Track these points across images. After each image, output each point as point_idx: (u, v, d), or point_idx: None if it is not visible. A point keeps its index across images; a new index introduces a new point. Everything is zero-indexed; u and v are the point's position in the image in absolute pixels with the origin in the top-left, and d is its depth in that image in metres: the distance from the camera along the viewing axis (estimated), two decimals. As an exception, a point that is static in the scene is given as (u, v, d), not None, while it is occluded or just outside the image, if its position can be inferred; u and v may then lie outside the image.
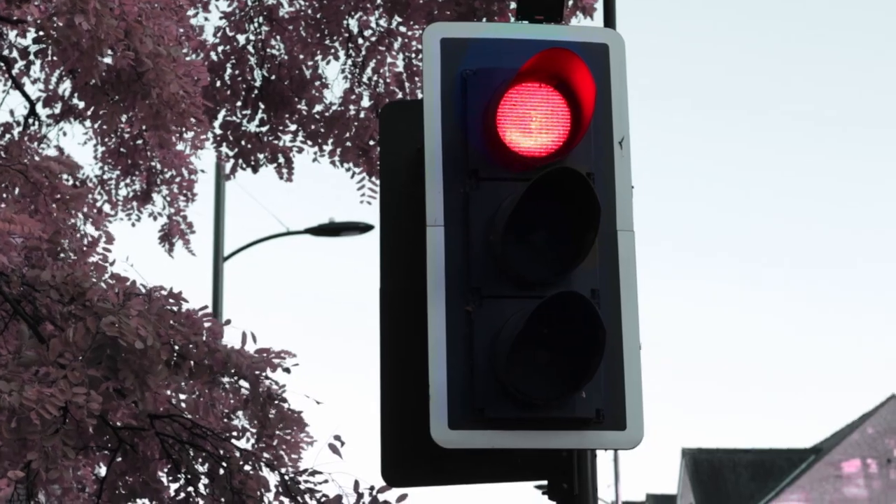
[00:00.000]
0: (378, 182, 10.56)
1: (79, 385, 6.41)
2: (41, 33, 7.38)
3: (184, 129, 7.96)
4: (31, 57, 9.38)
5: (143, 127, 8.21)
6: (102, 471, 7.65)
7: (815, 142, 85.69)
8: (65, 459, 6.48)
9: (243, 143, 11.01)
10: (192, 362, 6.84)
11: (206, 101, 7.97)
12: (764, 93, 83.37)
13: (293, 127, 10.98)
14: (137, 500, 7.39)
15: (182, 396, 7.37)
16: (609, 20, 10.11)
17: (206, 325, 6.95)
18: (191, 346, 6.84)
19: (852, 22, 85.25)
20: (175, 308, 6.93)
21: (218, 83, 10.81)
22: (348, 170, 10.86)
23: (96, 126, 10.40)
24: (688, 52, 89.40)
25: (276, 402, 7.04)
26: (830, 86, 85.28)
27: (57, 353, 6.55)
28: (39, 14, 7.08)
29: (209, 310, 7.13)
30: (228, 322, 7.06)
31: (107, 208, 11.13)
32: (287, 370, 7.02)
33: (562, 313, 4.82)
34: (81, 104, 9.20)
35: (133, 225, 11.32)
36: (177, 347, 6.81)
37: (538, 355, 4.91)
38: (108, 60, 7.70)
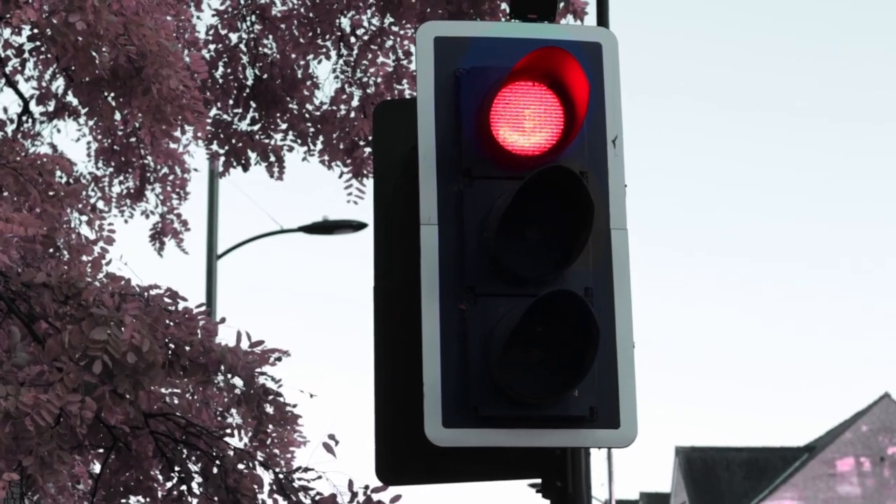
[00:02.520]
0: (365, 182, 10.67)
1: (74, 391, 6.39)
2: (36, 31, 7.36)
3: (184, 123, 7.95)
4: (26, 55, 9.37)
5: (137, 124, 8.21)
6: (97, 467, 7.65)
7: (809, 138, 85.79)
8: (60, 463, 6.46)
9: (234, 141, 11.01)
10: (187, 360, 6.83)
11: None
12: (757, 90, 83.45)
13: (284, 126, 10.98)
14: (132, 498, 7.40)
15: (176, 391, 7.36)
16: (602, 19, 10.11)
17: (201, 323, 6.94)
18: (186, 345, 6.82)
19: (848, 19, 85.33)
20: (172, 307, 6.92)
21: (209, 81, 10.81)
22: (334, 168, 10.85)
23: (92, 123, 10.40)
24: (680, 49, 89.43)
25: (272, 397, 7.03)
26: (825, 83, 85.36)
27: (53, 356, 6.53)
28: (34, 14, 7.07)
29: (205, 308, 7.13)
30: (223, 321, 7.05)
31: (100, 205, 11.13)
32: (279, 359, 7.01)
33: (555, 311, 4.83)
34: (75, 101, 9.20)
35: (126, 222, 11.32)
36: (172, 347, 6.80)
37: (532, 353, 4.91)
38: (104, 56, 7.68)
